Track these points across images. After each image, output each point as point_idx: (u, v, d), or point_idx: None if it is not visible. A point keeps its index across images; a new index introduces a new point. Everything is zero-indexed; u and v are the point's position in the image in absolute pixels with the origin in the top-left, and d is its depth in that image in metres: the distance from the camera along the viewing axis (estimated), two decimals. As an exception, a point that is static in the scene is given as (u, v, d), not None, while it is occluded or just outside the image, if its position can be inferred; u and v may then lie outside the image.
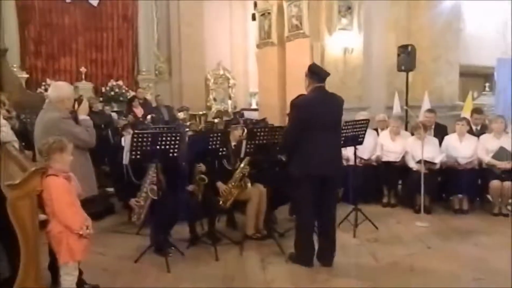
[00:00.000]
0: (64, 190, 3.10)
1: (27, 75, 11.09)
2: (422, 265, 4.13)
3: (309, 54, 8.14)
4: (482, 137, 6.12)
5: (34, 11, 11.42)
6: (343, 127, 5.06)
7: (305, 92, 4.08)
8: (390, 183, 6.30)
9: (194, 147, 4.54)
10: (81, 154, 3.88)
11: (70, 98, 3.94)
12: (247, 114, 11.10)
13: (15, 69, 10.27)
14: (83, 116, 4.02)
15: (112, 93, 11.93)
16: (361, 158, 6.16)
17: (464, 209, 5.88)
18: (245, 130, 5.39)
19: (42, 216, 3.10)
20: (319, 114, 3.85)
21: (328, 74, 4.10)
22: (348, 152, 5.96)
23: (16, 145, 4.86)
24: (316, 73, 4.02)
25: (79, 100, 4.03)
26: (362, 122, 5.28)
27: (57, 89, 3.92)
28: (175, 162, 4.49)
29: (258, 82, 10.34)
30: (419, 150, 5.70)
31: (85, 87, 11.48)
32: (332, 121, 4.02)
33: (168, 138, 4.10)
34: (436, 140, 6.17)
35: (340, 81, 8.07)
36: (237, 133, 5.28)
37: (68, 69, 11.95)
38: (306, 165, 3.89)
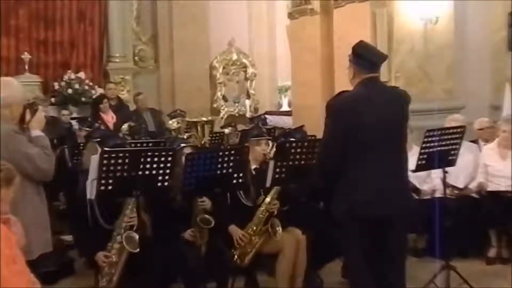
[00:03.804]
0: (3, 240, 3.14)
1: None
2: None
3: (369, 26, 8.20)
4: None
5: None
6: (425, 139, 5.04)
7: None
8: (500, 225, 6.22)
9: (194, 172, 4.56)
10: (34, 191, 3.87)
11: (19, 102, 3.90)
12: (275, 121, 11.13)
13: None
14: (37, 132, 3.97)
15: (70, 91, 12.09)
16: (453, 187, 6.13)
17: None
18: (272, 145, 5.41)
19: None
20: (370, 121, 3.75)
21: (384, 58, 4.10)
22: (433, 177, 5.93)
23: None
24: (365, 57, 3.93)
25: (31, 108, 3.98)
26: (455, 131, 5.27)
27: (3, 88, 3.82)
28: (165, 196, 4.54)
29: (292, 72, 10.41)
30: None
31: (29, 82, 11.56)
32: (392, 131, 3.88)
33: (155, 159, 4.14)
34: None
35: (419, 68, 8.05)
36: (260, 150, 5.31)
37: (5, 55, 12.12)
38: (353, 201, 3.78)
